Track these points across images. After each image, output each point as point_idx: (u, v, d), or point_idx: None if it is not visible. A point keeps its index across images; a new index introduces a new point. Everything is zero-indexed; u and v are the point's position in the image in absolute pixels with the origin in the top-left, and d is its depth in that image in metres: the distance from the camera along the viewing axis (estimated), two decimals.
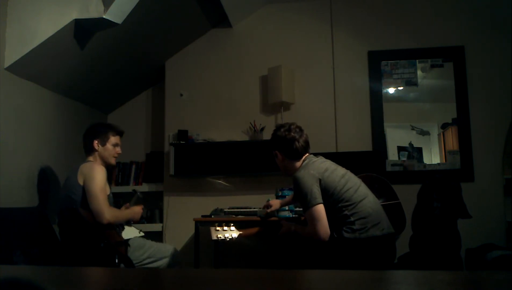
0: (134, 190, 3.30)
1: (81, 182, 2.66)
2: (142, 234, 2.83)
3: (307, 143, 2.53)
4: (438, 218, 2.55)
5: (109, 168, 2.89)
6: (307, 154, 2.54)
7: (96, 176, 2.63)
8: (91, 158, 2.82)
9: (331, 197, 2.34)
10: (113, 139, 2.85)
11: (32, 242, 2.72)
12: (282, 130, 2.51)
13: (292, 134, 2.48)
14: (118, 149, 2.88)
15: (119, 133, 2.91)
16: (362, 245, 2.27)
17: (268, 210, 3.01)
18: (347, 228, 2.30)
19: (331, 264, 2.28)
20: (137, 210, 2.83)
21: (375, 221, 2.31)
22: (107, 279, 0.96)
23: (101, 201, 2.57)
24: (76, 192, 2.66)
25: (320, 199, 2.31)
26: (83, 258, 2.64)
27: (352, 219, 2.30)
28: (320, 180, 2.35)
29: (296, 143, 2.47)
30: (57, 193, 3.38)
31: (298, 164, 2.50)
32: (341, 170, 2.46)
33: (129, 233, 2.76)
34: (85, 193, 2.63)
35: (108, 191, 2.75)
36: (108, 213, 2.56)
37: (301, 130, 2.52)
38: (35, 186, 3.13)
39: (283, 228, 2.56)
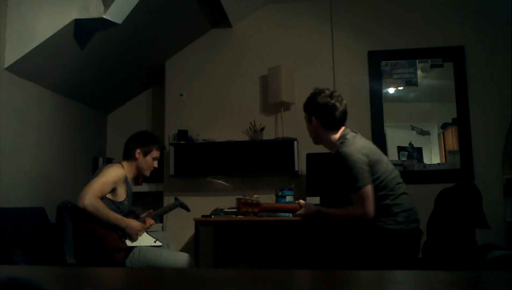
0: (176, 198, 3.19)
1: None
2: (159, 243, 2.71)
3: (346, 114, 2.34)
4: (456, 226, 2.50)
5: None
6: (344, 127, 2.35)
7: (106, 173, 2.62)
8: (125, 163, 2.79)
9: (375, 182, 2.19)
10: (155, 153, 2.84)
11: (32, 242, 2.72)
12: (322, 95, 2.32)
13: (333, 101, 2.30)
14: (155, 164, 2.87)
15: (162, 149, 2.92)
16: (407, 237, 2.17)
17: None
18: (389, 219, 2.17)
19: (368, 256, 2.17)
20: (134, 224, 2.61)
21: (415, 216, 2.23)
22: (107, 279, 0.96)
23: (92, 187, 2.51)
24: None
25: (370, 179, 2.17)
26: (79, 255, 2.64)
27: (395, 210, 2.17)
28: (369, 160, 2.19)
29: (337, 112, 2.29)
30: (57, 192, 3.38)
31: (334, 136, 2.33)
32: (385, 156, 2.32)
33: (141, 240, 2.66)
34: None
35: (122, 197, 2.71)
36: (88, 199, 2.45)
37: (342, 99, 2.36)
38: (35, 186, 3.13)
39: (305, 210, 2.29)
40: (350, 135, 2.30)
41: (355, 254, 2.20)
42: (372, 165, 2.19)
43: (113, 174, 2.65)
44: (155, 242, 2.72)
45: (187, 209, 3.07)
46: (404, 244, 2.18)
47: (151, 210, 2.95)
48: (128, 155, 2.82)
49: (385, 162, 2.26)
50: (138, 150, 2.79)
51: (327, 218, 2.29)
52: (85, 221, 2.56)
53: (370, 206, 2.14)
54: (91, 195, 2.49)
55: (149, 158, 2.82)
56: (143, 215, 2.88)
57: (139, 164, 2.80)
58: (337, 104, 2.31)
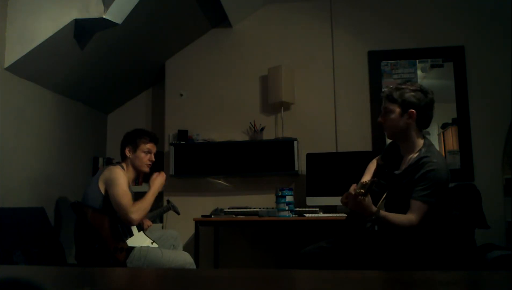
0: (168, 200, 3.21)
1: (100, 185, 2.67)
2: (155, 245, 2.71)
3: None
4: (456, 226, 2.49)
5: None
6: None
7: (116, 181, 2.63)
8: (124, 164, 2.80)
9: (443, 199, 2.16)
10: (144, 146, 2.80)
11: (32, 242, 2.72)
12: (426, 91, 2.19)
13: (433, 99, 2.20)
14: (150, 156, 2.82)
15: (152, 140, 2.84)
16: (431, 254, 2.16)
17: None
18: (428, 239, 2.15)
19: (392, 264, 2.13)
20: (157, 180, 2.79)
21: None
22: (107, 279, 0.96)
23: (124, 205, 2.57)
24: (90, 191, 2.69)
25: (436, 200, 2.12)
26: (81, 255, 2.65)
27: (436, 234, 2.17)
28: (447, 182, 2.14)
29: (431, 113, 2.20)
30: (57, 192, 3.38)
31: (419, 138, 2.21)
32: None
33: (139, 241, 2.68)
34: (97, 195, 2.65)
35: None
36: (133, 213, 2.56)
37: None
38: (35, 186, 3.13)
39: (366, 206, 2.04)
40: (433, 147, 2.21)
41: (373, 260, 2.15)
42: (446, 187, 2.16)
43: (123, 180, 2.67)
44: (152, 243, 2.72)
45: (178, 213, 3.12)
46: (425, 262, 2.14)
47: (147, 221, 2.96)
48: (122, 157, 2.85)
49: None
50: (127, 149, 2.80)
51: (380, 222, 2.13)
52: (90, 219, 2.57)
53: (420, 221, 2.10)
54: (130, 210, 2.57)
55: (139, 153, 2.79)
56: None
57: (132, 162, 2.80)
58: (433, 104, 2.22)
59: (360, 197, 1.99)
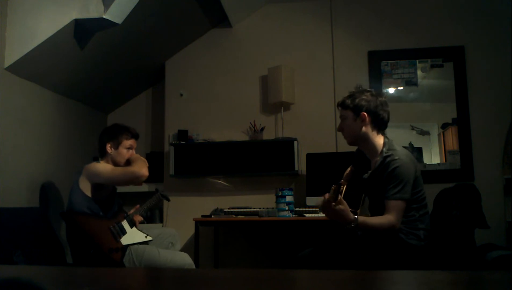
0: (156, 189, 3.23)
1: (82, 186, 2.63)
2: (149, 238, 2.71)
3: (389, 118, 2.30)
4: (455, 226, 2.49)
5: None
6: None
7: (98, 169, 2.64)
8: (103, 161, 2.78)
9: (418, 194, 2.18)
10: (126, 142, 2.77)
11: (33, 242, 2.72)
12: (377, 94, 2.28)
13: (385, 101, 2.27)
14: (132, 153, 2.80)
15: (134, 136, 2.82)
16: (426, 254, 2.15)
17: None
18: (411, 233, 2.15)
19: (382, 266, 2.12)
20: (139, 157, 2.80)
21: (431, 236, 2.23)
22: (107, 279, 0.96)
23: (123, 172, 2.61)
24: (74, 196, 2.66)
25: (410, 194, 2.14)
26: (77, 260, 2.65)
27: (419, 225, 2.17)
28: (416, 176, 2.18)
29: (386, 113, 2.26)
30: (56, 193, 3.38)
31: (379, 139, 2.25)
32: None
33: (133, 237, 2.67)
34: (82, 198, 2.63)
35: (101, 195, 2.73)
36: (139, 170, 2.61)
37: None
38: (35, 186, 3.13)
39: (343, 214, 2.03)
40: (395, 143, 2.25)
41: (369, 262, 2.14)
42: (416, 179, 2.18)
43: (101, 164, 2.71)
44: (146, 237, 2.71)
45: (167, 199, 3.22)
46: (422, 261, 2.15)
47: (138, 206, 2.95)
48: (102, 153, 2.81)
49: (420, 176, 2.24)
50: (108, 145, 2.77)
51: (360, 228, 2.10)
52: (80, 225, 2.56)
53: (400, 219, 2.11)
54: (130, 170, 2.62)
55: (121, 149, 2.76)
56: (131, 211, 2.88)
57: (113, 158, 2.77)
58: (387, 105, 2.27)
59: (332, 203, 2.01)
